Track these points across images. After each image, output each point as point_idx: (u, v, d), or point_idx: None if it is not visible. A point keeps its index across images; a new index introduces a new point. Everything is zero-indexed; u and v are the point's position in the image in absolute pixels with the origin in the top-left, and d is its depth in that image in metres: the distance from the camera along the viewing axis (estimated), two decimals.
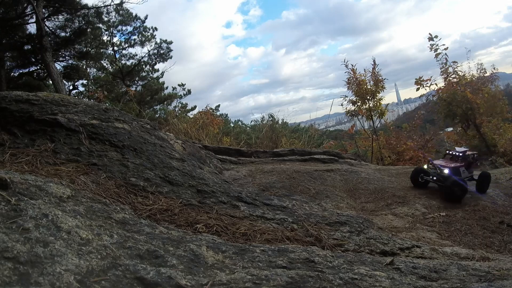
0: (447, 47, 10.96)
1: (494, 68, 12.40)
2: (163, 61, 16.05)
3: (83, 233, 1.10)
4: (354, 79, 10.49)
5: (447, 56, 11.03)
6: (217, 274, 1.08)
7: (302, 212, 2.48)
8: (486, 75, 12.00)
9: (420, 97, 12.82)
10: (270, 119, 10.25)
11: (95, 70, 15.80)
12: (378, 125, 11.40)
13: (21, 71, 13.24)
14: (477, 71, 11.95)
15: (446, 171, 3.87)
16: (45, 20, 11.13)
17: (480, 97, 10.84)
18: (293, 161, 5.60)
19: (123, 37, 15.29)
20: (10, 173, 1.50)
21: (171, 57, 15.87)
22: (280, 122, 10.26)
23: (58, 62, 13.13)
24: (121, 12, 14.10)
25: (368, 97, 10.35)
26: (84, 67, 14.60)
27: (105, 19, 13.65)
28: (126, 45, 15.37)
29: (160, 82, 16.68)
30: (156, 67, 16.40)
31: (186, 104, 16.74)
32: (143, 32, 15.11)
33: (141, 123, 3.66)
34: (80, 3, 12.15)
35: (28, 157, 2.13)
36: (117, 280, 0.90)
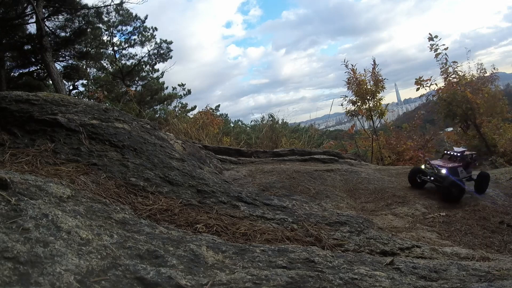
0: (447, 47, 10.98)
1: (494, 68, 12.42)
2: (163, 61, 16.10)
3: (83, 233, 1.10)
4: (354, 79, 10.49)
5: (447, 56, 11.03)
6: (217, 274, 1.08)
7: (302, 212, 2.48)
8: (486, 75, 12.00)
9: (420, 97, 12.82)
10: (270, 119, 10.25)
11: (95, 70, 15.84)
12: (378, 125, 11.40)
13: (21, 71, 13.26)
14: (477, 71, 11.96)
15: (443, 171, 3.85)
16: (45, 20, 11.13)
17: (480, 97, 10.83)
18: (293, 161, 5.60)
19: (123, 37, 15.33)
20: (10, 173, 1.50)
21: (171, 57, 15.91)
22: (280, 122, 10.26)
23: (58, 62, 13.15)
24: (121, 12, 14.11)
25: (368, 97, 10.35)
26: (84, 67, 14.60)
27: (105, 19, 13.68)
28: (126, 45, 15.41)
29: (160, 82, 16.69)
30: (156, 67, 16.44)
31: (186, 104, 16.77)
32: (143, 32, 15.13)
33: (141, 123, 3.66)
34: (80, 3, 12.17)
35: (28, 157, 2.13)
36: (117, 280, 0.90)
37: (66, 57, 13.42)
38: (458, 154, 4.13)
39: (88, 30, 12.83)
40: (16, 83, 12.75)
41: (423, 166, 4.25)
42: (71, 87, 14.59)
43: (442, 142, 13.03)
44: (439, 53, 11.04)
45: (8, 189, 1.22)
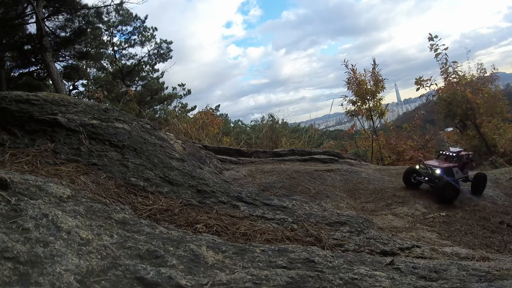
0: (447, 47, 10.98)
1: (494, 68, 12.41)
2: (163, 61, 16.09)
3: (83, 233, 1.10)
4: (354, 79, 10.50)
5: (447, 56, 11.04)
6: (217, 274, 1.08)
7: (302, 212, 2.48)
8: (486, 75, 12.00)
9: (420, 97, 12.82)
10: (270, 119, 10.25)
11: (95, 70, 15.84)
12: (378, 125, 11.41)
13: (21, 71, 13.26)
14: (477, 71, 11.96)
15: (438, 171, 3.80)
16: (45, 20, 11.13)
17: (480, 97, 10.83)
18: (293, 161, 5.60)
19: (123, 37, 15.33)
20: (10, 173, 1.50)
21: (171, 57, 15.91)
22: (280, 122, 10.27)
23: (58, 62, 13.15)
24: (121, 12, 14.11)
25: (368, 97, 10.36)
26: (84, 67, 14.60)
27: (105, 19, 13.67)
28: (126, 45, 15.41)
29: (160, 82, 16.69)
30: (156, 67, 16.44)
31: (186, 104, 16.76)
32: (143, 32, 15.12)
33: (141, 123, 3.66)
34: (80, 3, 12.16)
35: (28, 157, 2.13)
36: (117, 280, 0.90)
37: (66, 57, 13.43)
38: (454, 154, 4.09)
39: (88, 30, 12.83)
40: (16, 83, 12.75)
41: (417, 167, 4.20)
42: (71, 87, 14.62)
43: (442, 142, 13.04)
44: (439, 53, 11.06)
45: (8, 189, 1.22)
